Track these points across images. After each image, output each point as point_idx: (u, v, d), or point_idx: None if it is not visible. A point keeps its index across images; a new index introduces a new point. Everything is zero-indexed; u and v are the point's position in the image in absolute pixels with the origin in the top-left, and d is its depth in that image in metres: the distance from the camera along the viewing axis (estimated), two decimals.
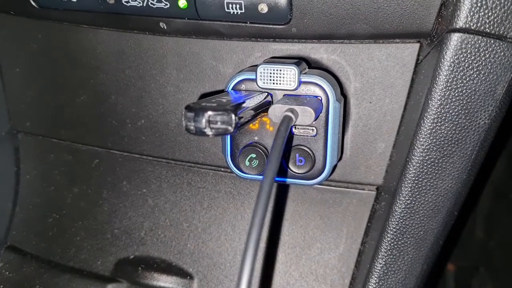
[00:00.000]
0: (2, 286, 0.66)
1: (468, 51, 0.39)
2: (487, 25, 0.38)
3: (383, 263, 0.50)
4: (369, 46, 0.47)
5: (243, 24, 0.47)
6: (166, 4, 0.47)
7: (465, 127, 0.43)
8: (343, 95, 0.50)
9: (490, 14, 0.38)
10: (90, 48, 0.58)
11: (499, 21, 0.38)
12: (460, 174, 0.45)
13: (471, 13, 0.38)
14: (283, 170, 0.49)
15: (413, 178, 0.46)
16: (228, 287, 0.61)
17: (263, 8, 0.44)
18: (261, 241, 0.49)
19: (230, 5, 0.45)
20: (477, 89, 0.41)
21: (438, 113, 0.42)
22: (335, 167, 0.53)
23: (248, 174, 0.49)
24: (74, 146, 0.67)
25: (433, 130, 0.43)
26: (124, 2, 0.48)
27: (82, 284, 0.65)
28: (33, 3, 0.53)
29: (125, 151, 0.64)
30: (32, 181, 0.71)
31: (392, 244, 0.49)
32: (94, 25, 0.56)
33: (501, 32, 0.38)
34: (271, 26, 0.47)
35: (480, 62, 0.40)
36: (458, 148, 0.44)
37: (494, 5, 0.38)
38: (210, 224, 0.62)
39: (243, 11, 0.45)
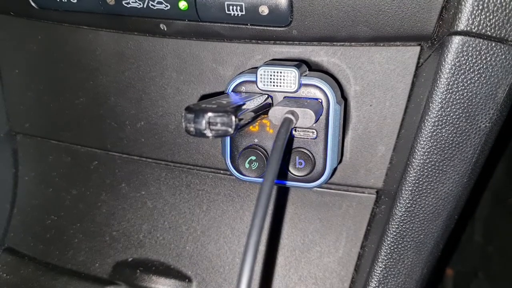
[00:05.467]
0: None
1: (469, 54, 0.39)
2: (488, 28, 0.38)
3: (383, 266, 0.50)
4: (369, 49, 0.47)
5: (244, 26, 0.47)
6: (167, 6, 0.47)
7: (466, 130, 0.43)
8: (343, 98, 0.50)
9: (491, 17, 0.38)
10: (90, 50, 0.58)
11: (500, 24, 0.38)
12: (461, 178, 0.45)
13: (473, 16, 0.38)
14: (283, 173, 0.49)
15: (414, 182, 0.46)
16: None
17: (264, 10, 0.44)
18: (260, 244, 0.48)
19: (231, 7, 0.45)
20: (478, 92, 0.41)
21: (439, 116, 0.42)
22: (335, 170, 0.53)
23: (248, 176, 0.49)
24: (73, 148, 0.67)
25: (434, 133, 0.43)
26: (124, 3, 0.48)
27: (80, 286, 0.64)
28: (33, 4, 0.53)
29: (124, 153, 0.63)
30: (30, 182, 0.71)
31: (392, 248, 0.49)
32: (94, 27, 0.56)
33: (502, 35, 0.38)
34: (271, 28, 0.46)
35: (481, 65, 0.40)
36: (459, 151, 0.44)
37: (495, 8, 0.38)
38: (209, 227, 0.62)
39: (243, 13, 0.45)
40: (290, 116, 0.41)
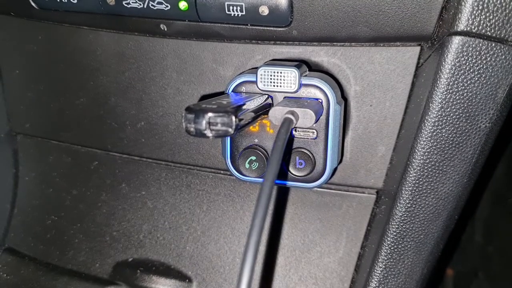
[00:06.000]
0: None
1: (469, 54, 0.39)
2: (488, 28, 0.38)
3: (383, 266, 0.50)
4: (369, 49, 0.47)
5: (244, 27, 0.47)
6: (167, 6, 0.47)
7: (466, 130, 0.43)
8: (343, 98, 0.50)
9: (491, 17, 0.38)
10: (90, 50, 0.58)
11: (500, 25, 0.38)
12: (461, 178, 0.45)
13: (472, 16, 0.38)
14: (283, 173, 0.49)
15: (414, 182, 0.46)
16: None
17: (264, 10, 0.44)
18: (260, 244, 0.48)
19: (231, 7, 0.45)
20: (478, 93, 0.41)
21: (439, 117, 0.42)
22: (335, 170, 0.53)
23: (248, 176, 0.49)
24: (74, 148, 0.67)
25: (434, 134, 0.43)
26: (125, 3, 0.48)
27: (80, 287, 0.64)
28: (33, 4, 0.53)
29: (124, 153, 0.63)
30: (30, 183, 0.71)
31: (392, 248, 0.49)
32: (94, 27, 0.56)
33: (502, 35, 0.38)
34: (271, 28, 0.46)
35: (481, 66, 0.40)
36: (459, 151, 0.44)
37: (495, 9, 0.38)
38: (210, 227, 0.62)
39: (243, 13, 0.45)
40: (290, 116, 0.41)
